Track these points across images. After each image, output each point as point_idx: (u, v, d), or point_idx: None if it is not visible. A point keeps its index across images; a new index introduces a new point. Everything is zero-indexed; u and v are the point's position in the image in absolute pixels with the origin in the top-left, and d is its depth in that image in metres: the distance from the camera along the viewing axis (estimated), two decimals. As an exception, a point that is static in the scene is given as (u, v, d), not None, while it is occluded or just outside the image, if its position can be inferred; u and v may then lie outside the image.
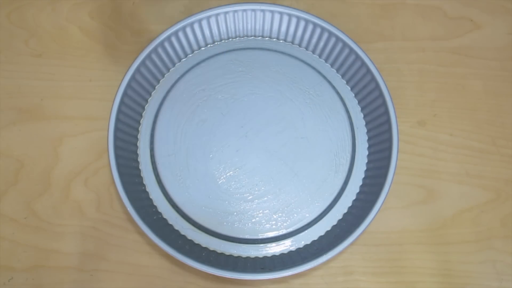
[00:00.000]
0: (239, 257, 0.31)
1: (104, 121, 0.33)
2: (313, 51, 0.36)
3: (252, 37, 0.36)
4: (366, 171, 0.33)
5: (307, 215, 0.32)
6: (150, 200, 0.32)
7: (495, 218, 0.36)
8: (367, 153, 0.34)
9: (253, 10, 0.35)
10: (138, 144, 0.33)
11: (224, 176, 0.33)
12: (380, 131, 0.33)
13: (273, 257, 0.31)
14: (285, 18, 0.35)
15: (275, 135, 0.34)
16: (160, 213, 0.32)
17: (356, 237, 0.30)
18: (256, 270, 0.30)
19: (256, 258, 0.31)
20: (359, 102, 0.35)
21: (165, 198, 0.32)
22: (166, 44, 0.34)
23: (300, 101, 0.34)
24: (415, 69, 0.40)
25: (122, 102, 0.32)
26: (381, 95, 0.33)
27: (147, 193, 0.32)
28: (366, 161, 0.33)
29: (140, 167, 0.33)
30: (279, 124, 0.34)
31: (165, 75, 0.35)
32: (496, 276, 0.35)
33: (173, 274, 0.34)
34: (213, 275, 0.31)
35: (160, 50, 0.34)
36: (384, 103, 0.33)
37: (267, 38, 0.36)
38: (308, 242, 0.32)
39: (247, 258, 0.31)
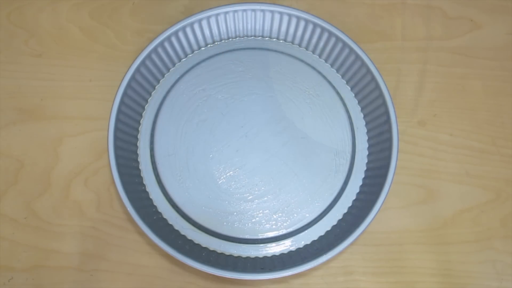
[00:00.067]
0: (239, 257, 0.31)
1: (104, 121, 0.33)
2: (313, 51, 0.36)
3: (252, 37, 0.36)
4: (366, 171, 0.33)
5: (307, 215, 0.32)
6: (150, 200, 0.32)
7: (495, 218, 0.36)
8: (367, 153, 0.34)
9: (253, 10, 0.35)
10: (138, 144, 0.33)
11: (224, 176, 0.33)
12: (380, 131, 0.33)
13: (273, 257, 0.31)
14: (285, 18, 0.35)
15: (275, 135, 0.34)
16: (160, 213, 0.32)
17: (356, 237, 0.30)
18: (256, 270, 0.30)
19: (256, 258, 0.31)
20: (359, 102, 0.35)
21: (165, 198, 0.32)
22: (166, 44, 0.34)
23: (300, 101, 0.34)
24: (415, 69, 0.40)
25: (122, 102, 0.32)
26: (381, 95, 0.33)
27: (147, 193, 0.32)
28: (366, 161, 0.33)
29: (140, 167, 0.33)
30: (279, 124, 0.34)
31: (165, 75, 0.35)
32: (496, 276, 0.35)
33: (173, 274, 0.34)
34: (213, 275, 0.31)
35: (160, 50, 0.34)
36: (384, 103, 0.33)
37: (267, 38, 0.36)
38: (308, 242, 0.32)
39: (247, 258, 0.31)
